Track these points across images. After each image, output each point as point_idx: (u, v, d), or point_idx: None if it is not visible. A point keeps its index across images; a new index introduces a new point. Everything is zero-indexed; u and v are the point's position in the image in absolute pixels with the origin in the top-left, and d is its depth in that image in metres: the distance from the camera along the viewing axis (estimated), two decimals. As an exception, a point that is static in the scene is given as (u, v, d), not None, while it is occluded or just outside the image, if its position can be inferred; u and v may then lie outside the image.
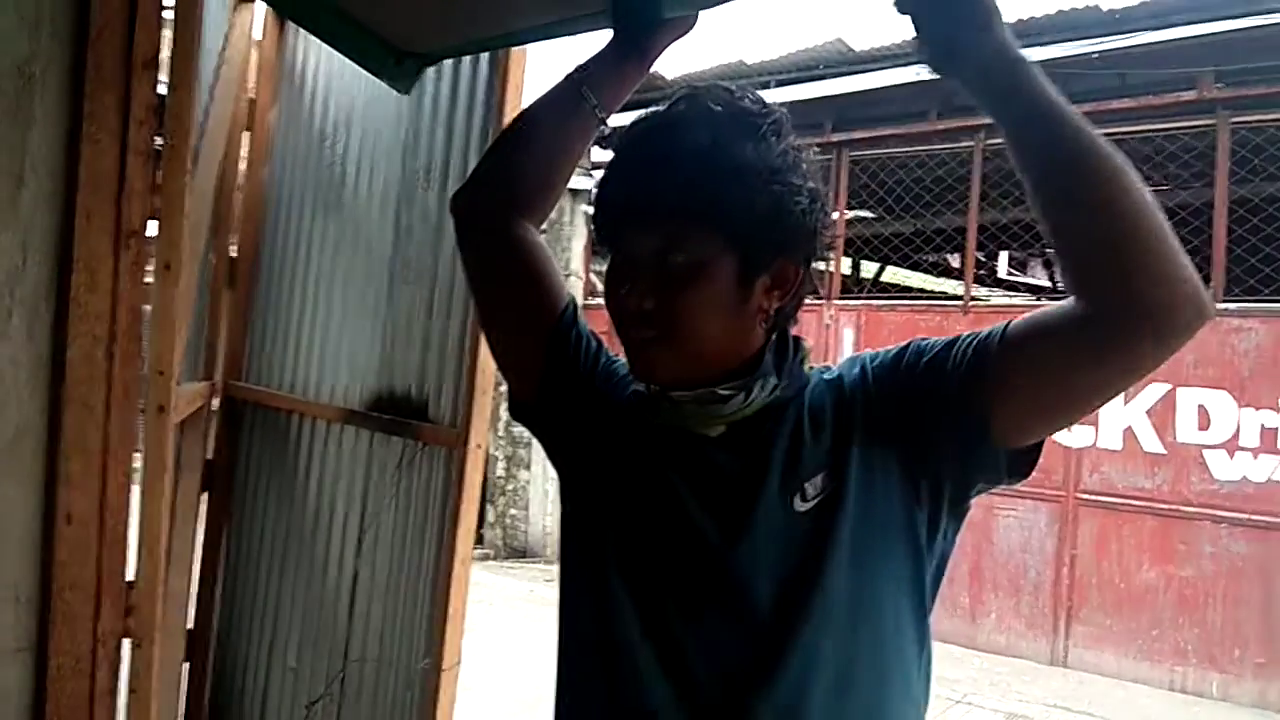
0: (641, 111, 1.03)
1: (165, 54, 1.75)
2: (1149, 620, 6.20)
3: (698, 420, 1.00)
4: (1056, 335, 0.88)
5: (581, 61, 1.20)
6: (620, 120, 1.08)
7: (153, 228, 1.75)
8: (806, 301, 1.07)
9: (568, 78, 1.18)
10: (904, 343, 0.99)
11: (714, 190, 0.94)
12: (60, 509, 1.68)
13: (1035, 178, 0.86)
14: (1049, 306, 0.91)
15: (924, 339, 0.98)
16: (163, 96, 1.76)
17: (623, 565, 1.03)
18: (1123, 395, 6.24)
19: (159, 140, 1.75)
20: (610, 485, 1.07)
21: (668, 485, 1.01)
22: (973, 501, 0.99)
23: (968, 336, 0.93)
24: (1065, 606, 6.51)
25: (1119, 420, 6.32)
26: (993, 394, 0.89)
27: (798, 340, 1.05)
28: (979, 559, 6.74)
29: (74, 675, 1.73)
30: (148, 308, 1.79)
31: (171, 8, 1.78)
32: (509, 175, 1.17)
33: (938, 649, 1.04)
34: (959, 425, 0.92)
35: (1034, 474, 0.95)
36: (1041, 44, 6.27)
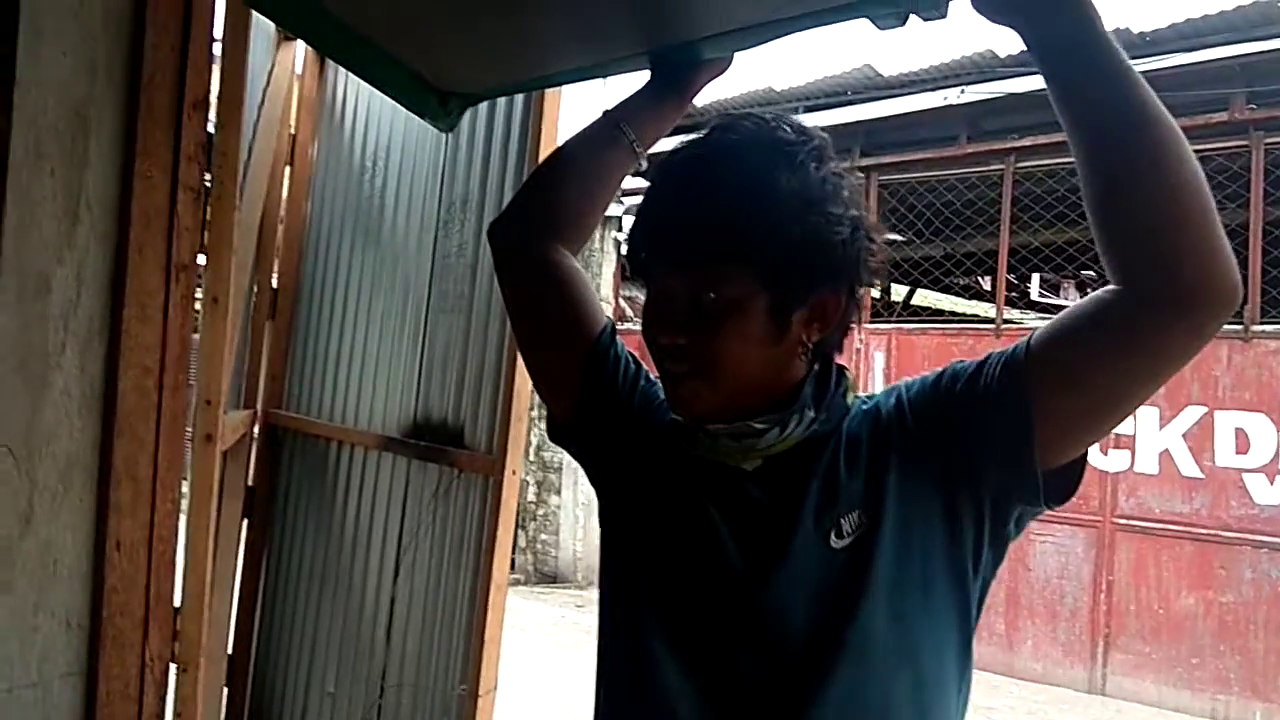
0: (676, 140, 1.01)
1: (213, 94, 1.82)
2: (1189, 647, 6.08)
3: (733, 454, 0.99)
4: (1091, 326, 0.85)
5: (621, 99, 1.21)
6: (656, 147, 1.10)
7: (200, 261, 1.81)
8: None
9: (607, 114, 1.20)
10: (940, 369, 0.96)
11: (746, 229, 0.92)
12: (110, 536, 1.72)
13: (1090, 141, 0.83)
14: (1071, 307, 0.89)
15: (960, 363, 0.95)
16: (210, 135, 1.82)
17: (655, 596, 1.03)
18: (1158, 419, 6.18)
19: (207, 177, 1.81)
20: (646, 512, 1.06)
21: (703, 517, 1.00)
22: (1014, 531, 0.96)
23: (996, 354, 0.91)
24: (1103, 633, 6.40)
25: (1155, 444, 6.25)
26: (1028, 406, 0.86)
27: (841, 370, 1.03)
28: (1015, 585, 6.66)
29: (122, 699, 1.77)
30: (195, 338, 1.84)
31: (219, 44, 1.85)
32: (547, 206, 1.18)
33: (973, 676, 1.02)
34: (995, 444, 0.89)
35: (1071, 499, 0.92)
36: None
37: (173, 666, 1.86)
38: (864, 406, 1.01)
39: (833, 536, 0.93)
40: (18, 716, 1.60)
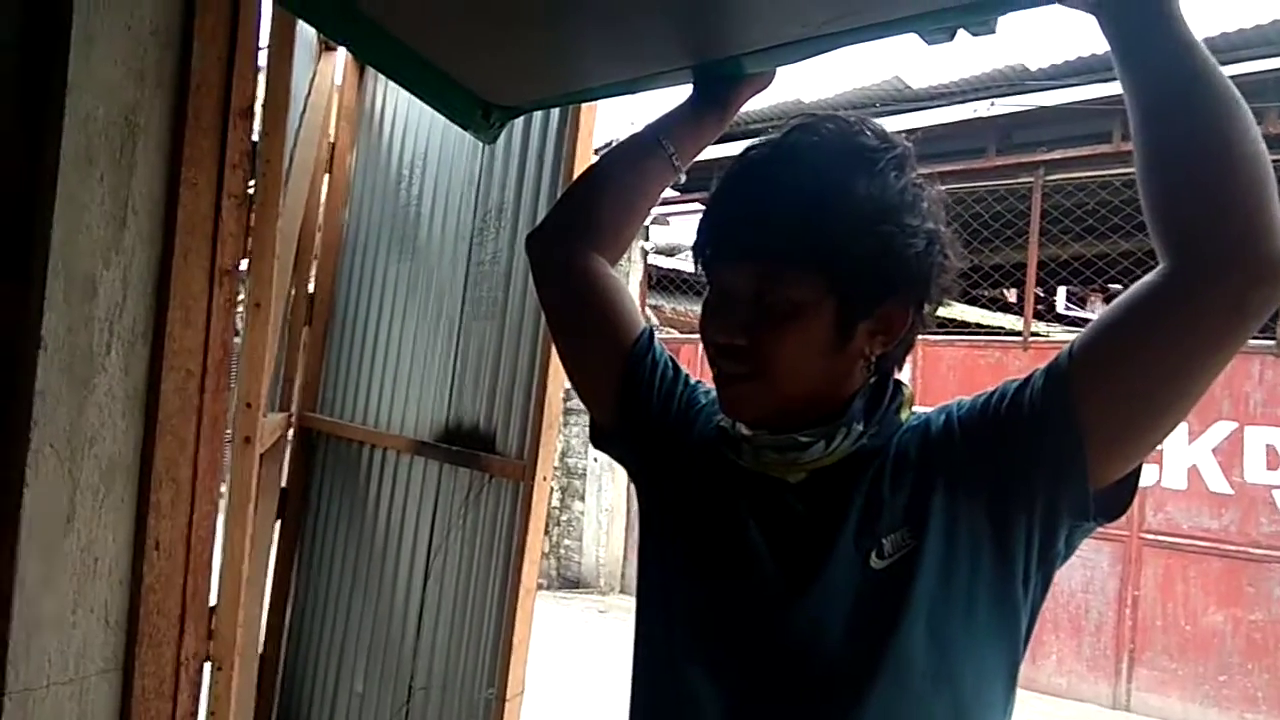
0: (754, 141, 0.98)
1: (258, 102, 1.85)
2: (1216, 665, 6.01)
3: (777, 466, 0.96)
4: (1133, 311, 0.81)
5: (663, 112, 1.21)
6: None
7: (242, 266, 1.84)
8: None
9: (648, 126, 1.20)
10: (993, 389, 0.92)
11: (816, 231, 0.89)
12: (149, 536, 1.75)
13: (1152, 110, 0.81)
14: (1115, 301, 0.84)
15: (1011, 381, 0.91)
16: (255, 143, 1.85)
17: (689, 605, 1.02)
18: (1188, 434, 6.11)
19: (251, 184, 1.84)
20: (684, 519, 1.04)
21: (741, 528, 0.97)
22: (1063, 550, 0.91)
23: (1042, 368, 0.88)
24: (1128, 649, 6.34)
25: (1184, 459, 6.18)
26: (1073, 415, 0.83)
27: (898, 385, 0.99)
28: (1039, 600, 6.60)
29: (158, 696, 1.79)
30: (236, 342, 1.87)
31: (264, 53, 1.88)
32: (585, 216, 1.18)
33: None
34: (1042, 459, 0.85)
35: None
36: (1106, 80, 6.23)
37: (207, 665, 1.88)
38: (915, 424, 0.97)
39: (874, 556, 0.90)
40: (55, 712, 1.62)
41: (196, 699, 1.85)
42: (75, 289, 1.58)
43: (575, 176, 2.24)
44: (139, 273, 1.70)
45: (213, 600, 1.89)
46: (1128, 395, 0.82)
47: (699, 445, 1.06)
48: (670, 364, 1.14)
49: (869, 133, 0.94)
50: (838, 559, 0.91)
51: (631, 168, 1.20)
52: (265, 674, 2.89)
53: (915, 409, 1.00)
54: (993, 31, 1.06)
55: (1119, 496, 0.86)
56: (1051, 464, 0.85)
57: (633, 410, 1.12)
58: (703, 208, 1.02)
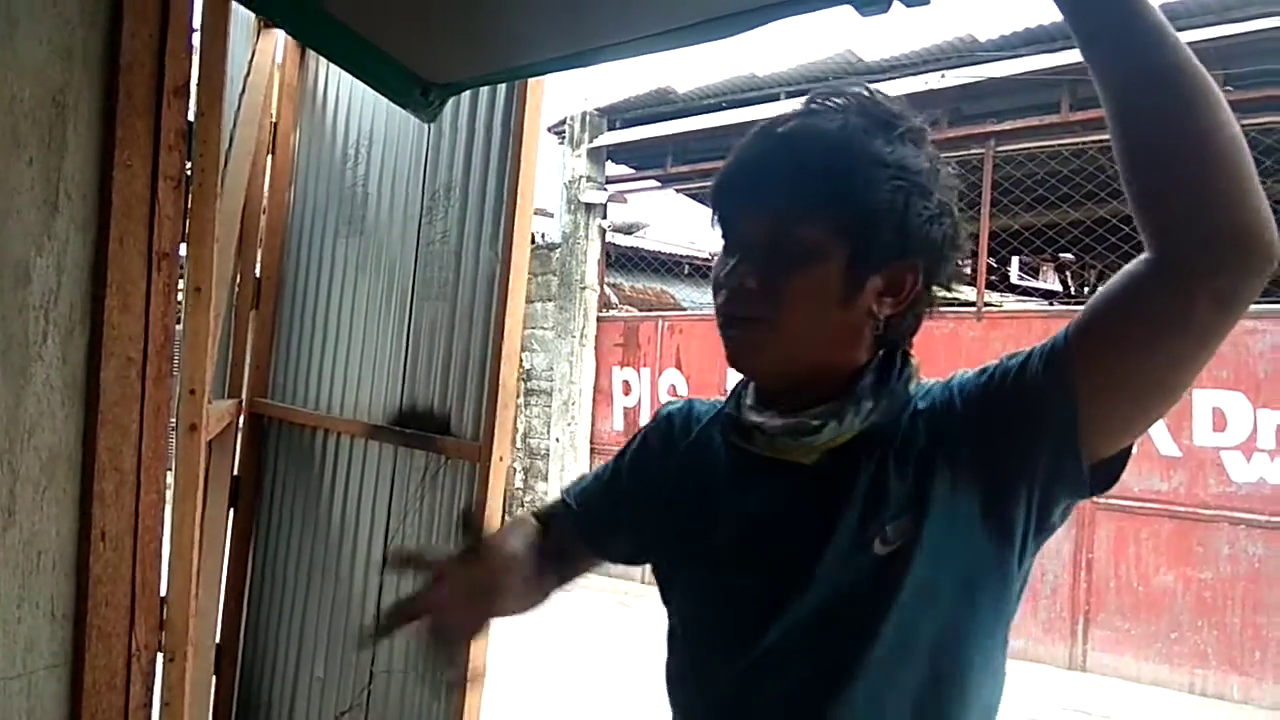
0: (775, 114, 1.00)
1: (192, 82, 1.81)
2: (1168, 623, 6.17)
3: (791, 450, 0.96)
4: (1123, 300, 0.82)
5: None
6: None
7: (182, 250, 1.80)
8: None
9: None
10: (993, 364, 0.93)
11: (832, 173, 0.91)
12: (95, 527, 1.72)
13: (1123, 97, 0.79)
14: (1106, 285, 0.84)
15: (1011, 357, 0.91)
16: (191, 123, 1.81)
17: (707, 599, 1.04)
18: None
19: (188, 166, 1.80)
20: (692, 529, 1.04)
21: (753, 514, 0.99)
22: (1058, 521, 0.93)
23: (1039, 347, 0.88)
24: (1083, 611, 6.49)
25: (1134, 424, 6.32)
26: (1072, 395, 0.84)
27: (906, 356, 1.00)
28: (996, 565, 6.73)
29: (109, 690, 1.77)
30: (178, 328, 1.83)
31: (198, 32, 1.83)
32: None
33: None
34: (1042, 437, 0.86)
35: None
36: (1054, 50, 6.29)
37: (159, 656, 1.85)
38: (921, 399, 0.97)
39: (877, 543, 0.91)
40: (2, 708, 1.59)
41: (149, 690, 1.82)
42: (7, 276, 1.54)
43: (524, 155, 2.23)
44: (74, 258, 1.66)
45: (163, 591, 1.86)
46: (1121, 380, 0.83)
47: (690, 454, 1.08)
48: (598, 482, 1.19)
49: (890, 103, 0.97)
50: (842, 544, 0.92)
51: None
52: (224, 663, 2.87)
53: (920, 380, 1.00)
54: (927, 3, 1.06)
55: (1112, 469, 0.87)
56: (1051, 443, 0.86)
57: (617, 543, 1.17)
58: (681, 183, 1.03)
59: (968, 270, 10.23)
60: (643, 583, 8.10)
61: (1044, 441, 0.86)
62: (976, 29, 7.07)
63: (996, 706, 0.98)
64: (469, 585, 0.99)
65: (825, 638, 0.93)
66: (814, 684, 0.93)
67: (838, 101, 0.96)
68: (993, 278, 9.87)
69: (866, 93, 0.97)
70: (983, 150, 7.10)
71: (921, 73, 7.29)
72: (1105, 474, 0.87)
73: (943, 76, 7.17)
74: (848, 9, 1.12)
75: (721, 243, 1.00)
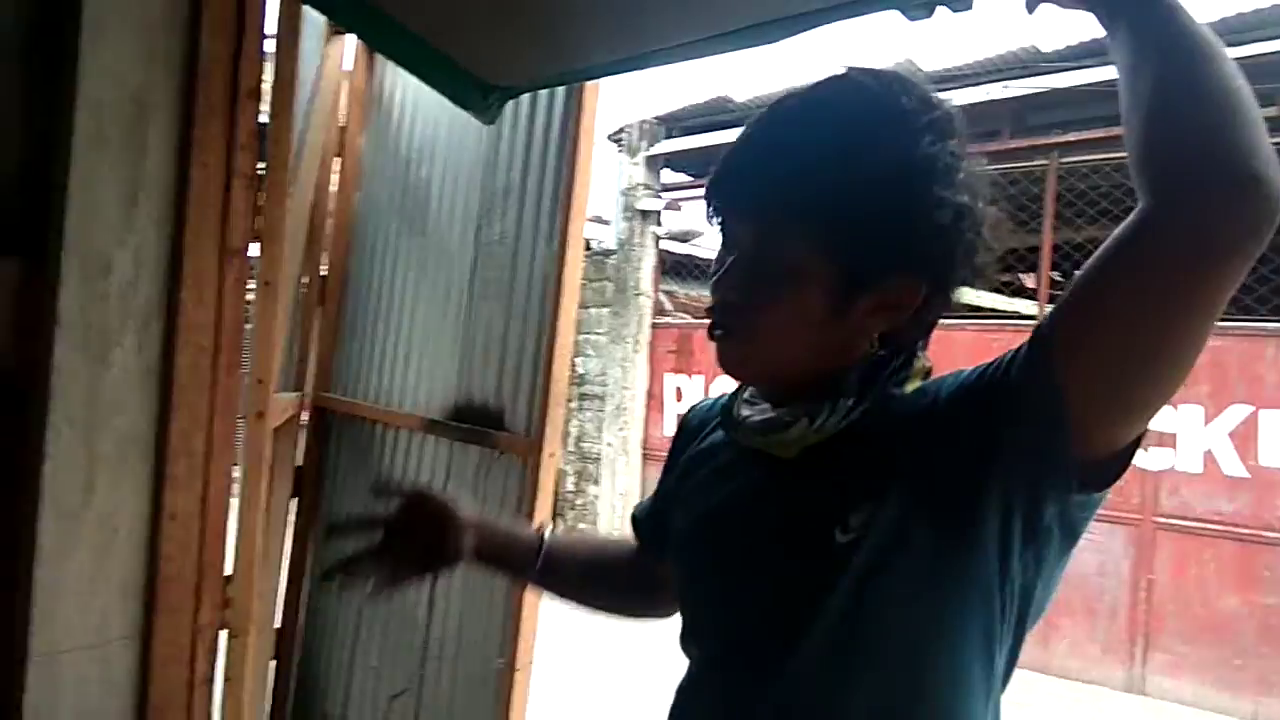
0: (791, 89, 0.93)
1: (266, 85, 1.89)
2: (1231, 649, 6.00)
3: (767, 444, 0.94)
4: (1111, 262, 0.75)
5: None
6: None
7: (253, 248, 1.88)
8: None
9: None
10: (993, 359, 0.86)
11: (818, 184, 0.84)
12: (165, 508, 1.80)
13: (1133, 66, 0.76)
14: (1091, 257, 0.77)
15: (1014, 349, 0.84)
16: (263, 125, 1.89)
17: (688, 589, 1.05)
18: (1203, 417, 6.09)
19: (260, 166, 1.88)
20: (696, 520, 1.05)
21: (729, 507, 0.99)
22: (1054, 523, 0.84)
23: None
24: (1142, 632, 6.33)
25: (1199, 443, 6.16)
26: (1056, 378, 0.76)
27: (909, 359, 0.93)
28: (1052, 582, 6.60)
29: (175, 663, 1.84)
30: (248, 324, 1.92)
31: (273, 38, 1.92)
32: (635, 611, 1.31)
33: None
34: (1021, 426, 0.79)
35: (1110, 497, 0.83)
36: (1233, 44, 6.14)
37: (223, 633, 1.93)
38: (917, 395, 0.91)
39: (838, 531, 0.86)
40: (77, 676, 1.67)
41: (212, 665, 1.90)
42: (89, 268, 1.62)
43: (579, 158, 2.28)
44: (151, 251, 1.74)
45: (228, 570, 1.94)
46: (1110, 353, 0.75)
47: (701, 453, 1.08)
48: (658, 499, 1.19)
49: (909, 93, 0.87)
50: (805, 534, 0.89)
51: (582, 591, 1.28)
52: (283, 647, 2.96)
53: (923, 383, 0.93)
54: (969, 8, 1.08)
55: (1113, 466, 0.80)
56: (1031, 431, 0.78)
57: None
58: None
59: (1030, 284, 10.09)
60: None
61: (1021, 432, 0.79)
62: (1040, 39, 6.97)
63: None
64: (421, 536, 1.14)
65: (780, 622, 0.89)
66: (770, 669, 0.89)
67: (850, 90, 0.88)
68: (1055, 292, 9.69)
69: (887, 78, 0.88)
70: (1046, 162, 7.00)
71: (983, 83, 7.21)
72: (1105, 471, 0.80)
73: (1005, 87, 7.09)
74: (895, 14, 1.15)
75: (719, 237, 0.96)
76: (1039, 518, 0.82)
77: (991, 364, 0.84)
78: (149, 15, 1.68)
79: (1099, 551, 6.49)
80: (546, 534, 1.23)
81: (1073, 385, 0.76)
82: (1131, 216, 0.74)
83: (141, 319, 1.73)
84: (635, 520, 1.24)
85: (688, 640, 1.04)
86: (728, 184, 0.93)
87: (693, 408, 1.18)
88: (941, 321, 0.96)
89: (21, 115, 1.56)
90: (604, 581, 1.27)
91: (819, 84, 0.90)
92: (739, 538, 0.96)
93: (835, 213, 0.84)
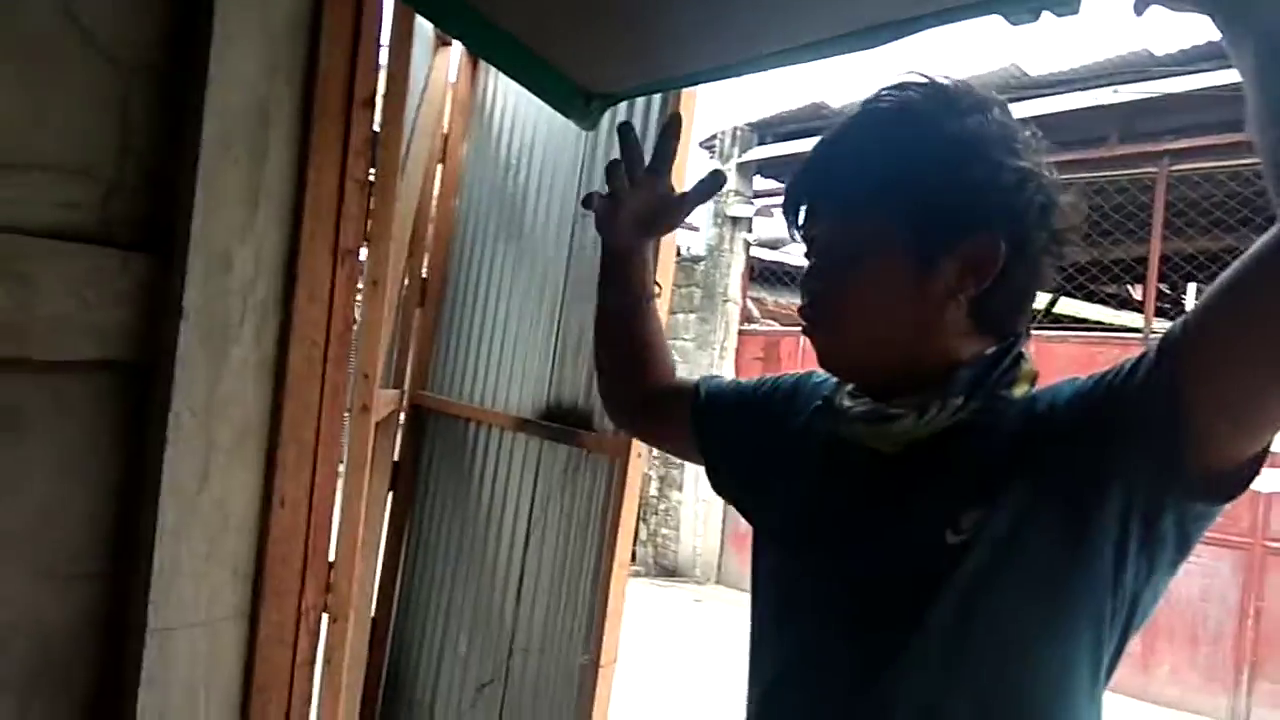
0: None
1: (378, 94, 1.97)
2: (1347, 684, 5.69)
3: (871, 437, 0.95)
4: (1248, 275, 0.74)
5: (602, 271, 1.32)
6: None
7: (361, 250, 1.96)
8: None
9: (601, 298, 1.33)
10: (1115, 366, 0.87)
11: (887, 170, 0.90)
12: (276, 494, 1.88)
13: (1259, 67, 0.75)
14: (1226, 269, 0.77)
15: (1137, 354, 0.85)
16: (375, 132, 1.97)
17: (777, 576, 1.06)
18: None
19: (371, 171, 1.96)
20: (782, 507, 1.07)
21: (831, 500, 0.99)
22: (1172, 533, 0.84)
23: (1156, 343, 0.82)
24: (1249, 662, 6.05)
25: (1316, 465, 5.86)
26: (1182, 385, 0.76)
27: (1018, 358, 0.94)
28: (1153, 606, 6.36)
29: (279, 644, 1.93)
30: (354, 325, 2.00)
31: (385, 48, 2.00)
32: (615, 386, 1.36)
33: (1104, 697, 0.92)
34: (1140, 434, 0.80)
35: (1219, 519, 0.83)
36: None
37: (325, 617, 2.01)
38: (1024, 401, 0.92)
39: (949, 532, 0.87)
40: (190, 651, 1.76)
41: (314, 647, 1.97)
42: (213, 264, 1.71)
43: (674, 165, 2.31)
44: (269, 251, 1.83)
45: (331, 556, 2.02)
46: (1238, 370, 0.75)
47: (797, 434, 1.08)
48: (732, 395, 1.22)
49: (954, 83, 0.95)
50: (912, 532, 0.90)
51: (618, 322, 1.32)
52: (377, 633, 3.06)
53: (1033, 388, 0.94)
54: (1076, 12, 1.07)
55: (1238, 477, 0.80)
56: (1149, 443, 0.79)
57: (717, 457, 1.21)
58: None
59: (1138, 296, 9.71)
60: (714, 584, 8.11)
61: (1142, 440, 0.80)
62: (1152, 43, 6.74)
63: None
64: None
65: (883, 620, 0.91)
66: (871, 664, 0.90)
67: (898, 94, 0.95)
68: (1165, 304, 9.33)
69: (932, 78, 0.96)
70: (1156, 169, 6.76)
71: (1091, 88, 7.00)
72: (1225, 484, 0.80)
73: (1115, 92, 6.87)
74: (998, 19, 1.14)
75: (804, 246, 1.03)
76: (1156, 527, 0.83)
77: (1111, 371, 0.85)
78: (273, 26, 1.77)
79: (1205, 575, 6.23)
80: (654, 295, 1.33)
81: (1196, 397, 0.76)
82: (1271, 232, 0.73)
83: (259, 314, 1.82)
84: (701, 392, 1.25)
85: (776, 633, 1.04)
86: (803, 189, 1.00)
87: (808, 375, 1.16)
88: (1047, 333, 0.99)
89: (153, 122, 1.66)
90: (633, 361, 1.33)
91: (870, 98, 0.98)
92: (844, 533, 0.97)
93: (902, 186, 0.90)
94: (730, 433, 1.18)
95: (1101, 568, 0.84)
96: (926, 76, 0.96)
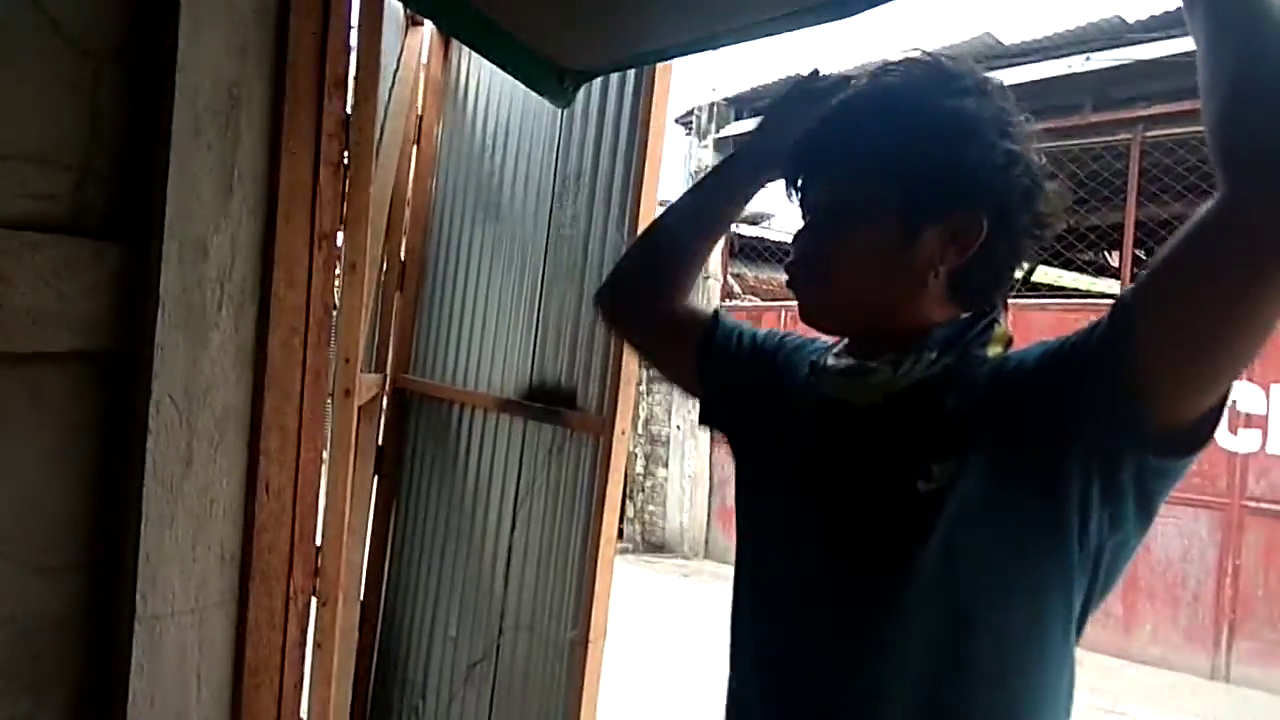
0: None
1: (350, 75, 1.96)
2: (1323, 638, 5.81)
3: (850, 391, 0.99)
4: (1190, 242, 0.77)
5: (727, 170, 1.29)
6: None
7: (338, 234, 1.96)
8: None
9: (710, 188, 1.30)
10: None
11: (883, 140, 0.94)
12: (260, 479, 1.88)
13: (1209, 41, 0.77)
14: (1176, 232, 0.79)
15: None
16: (348, 115, 1.96)
17: (761, 524, 1.09)
18: (1295, 399, 5.87)
19: (345, 154, 1.95)
20: (767, 460, 1.10)
21: (812, 455, 1.02)
22: (1130, 487, 0.86)
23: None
24: (1228, 619, 6.16)
25: (1291, 425, 5.95)
26: (1135, 345, 0.80)
27: (992, 322, 0.98)
28: (1134, 567, 6.43)
29: (269, 628, 1.94)
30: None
31: (355, 29, 1.98)
32: (656, 278, 1.29)
33: (1086, 657, 0.94)
34: (1097, 389, 0.83)
35: (1195, 480, 0.84)
36: None
37: (314, 601, 2.02)
38: (998, 360, 0.95)
39: (920, 481, 0.89)
40: (179, 638, 1.76)
41: (304, 631, 1.99)
42: (188, 252, 1.70)
43: (650, 141, 2.31)
44: (246, 236, 1.82)
45: (318, 541, 2.03)
46: (1181, 329, 0.78)
47: (793, 391, 1.10)
48: (743, 335, 1.22)
49: (955, 65, 0.98)
50: (886, 482, 0.93)
51: (696, 233, 1.30)
52: (366, 617, 3.07)
53: (1006, 351, 0.97)
54: None
55: (1197, 432, 0.82)
56: (1108, 392, 0.82)
57: (716, 390, 1.22)
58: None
59: (1115, 262, 9.79)
60: (702, 558, 8.18)
61: (1098, 398, 0.83)
62: (1124, 9, 6.76)
63: (1053, 699, 0.92)
64: None
65: (860, 566, 0.94)
66: (851, 612, 0.94)
67: (900, 71, 0.98)
68: (1140, 270, 9.40)
69: (934, 57, 0.99)
70: (1130, 136, 6.80)
71: (1065, 55, 7.02)
72: (1182, 440, 0.82)
73: (1087, 59, 6.89)
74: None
75: (799, 213, 1.06)
76: (1116, 478, 0.85)
77: (1078, 332, 0.88)
78: (241, 9, 1.76)
79: (1183, 536, 6.32)
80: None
81: (1145, 352, 0.79)
82: (1210, 204, 0.76)
83: (237, 301, 1.81)
84: (723, 318, 1.26)
85: (760, 587, 1.06)
86: (802, 155, 1.03)
87: (814, 339, 1.18)
88: (1024, 301, 1.02)
89: (123, 109, 1.65)
90: (675, 273, 1.30)
91: (874, 75, 1.01)
92: (823, 483, 1.00)
93: (898, 157, 0.93)
94: (734, 367, 1.20)
95: (1068, 517, 0.87)
96: (930, 55, 0.99)
